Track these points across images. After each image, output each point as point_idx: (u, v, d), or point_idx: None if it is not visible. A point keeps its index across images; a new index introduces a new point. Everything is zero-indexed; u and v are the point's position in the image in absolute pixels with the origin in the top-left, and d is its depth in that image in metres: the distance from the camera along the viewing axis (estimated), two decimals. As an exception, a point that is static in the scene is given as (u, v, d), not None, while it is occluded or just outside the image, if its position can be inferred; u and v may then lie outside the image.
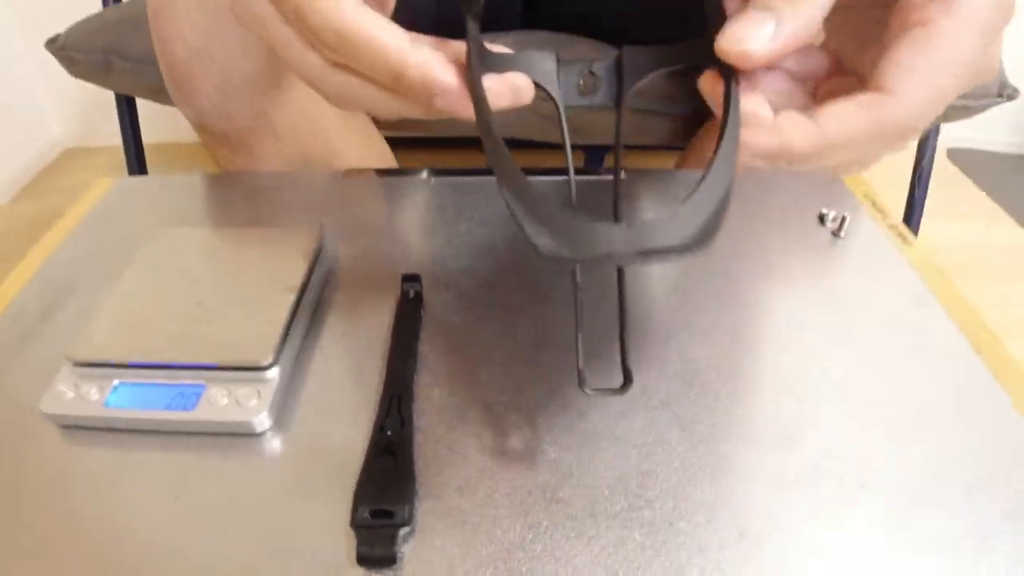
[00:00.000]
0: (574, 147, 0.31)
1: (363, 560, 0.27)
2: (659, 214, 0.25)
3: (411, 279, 0.41)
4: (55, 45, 0.95)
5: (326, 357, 0.37)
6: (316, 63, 0.26)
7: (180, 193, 0.53)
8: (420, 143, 0.96)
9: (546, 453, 0.32)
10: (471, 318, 0.40)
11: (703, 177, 0.23)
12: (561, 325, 0.40)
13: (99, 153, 1.77)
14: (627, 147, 0.38)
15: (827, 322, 0.40)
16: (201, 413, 0.32)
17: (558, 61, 0.29)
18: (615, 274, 0.31)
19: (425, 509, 0.29)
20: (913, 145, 0.97)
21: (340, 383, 0.36)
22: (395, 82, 0.25)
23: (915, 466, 0.31)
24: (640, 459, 0.31)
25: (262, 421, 0.32)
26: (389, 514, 0.28)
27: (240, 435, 0.33)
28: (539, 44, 0.78)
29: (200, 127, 0.59)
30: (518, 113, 0.29)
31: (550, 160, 0.46)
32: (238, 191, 0.54)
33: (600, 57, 0.30)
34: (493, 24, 0.43)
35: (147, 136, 1.15)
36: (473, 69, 0.26)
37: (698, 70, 0.28)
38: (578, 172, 0.33)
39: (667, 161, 0.89)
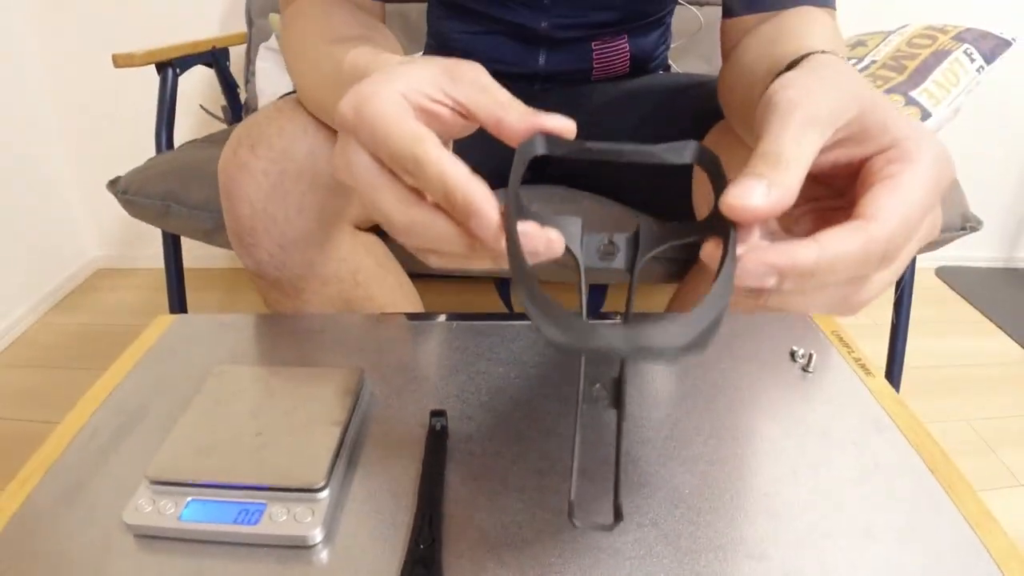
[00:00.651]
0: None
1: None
2: (659, 319, 0.28)
3: (438, 414, 0.47)
4: (116, 188, 1.04)
5: (367, 481, 0.44)
6: (394, 200, 0.33)
7: (234, 331, 0.61)
8: (436, 278, 1.06)
9: (552, 565, 0.37)
10: (491, 448, 0.46)
11: (702, 297, 0.26)
12: (564, 456, 0.45)
13: (130, 275, 1.92)
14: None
15: (796, 448, 0.46)
16: (264, 528, 0.38)
17: (583, 227, 0.33)
18: (615, 424, 0.34)
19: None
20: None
21: (379, 503, 0.42)
22: (445, 200, 0.31)
23: (868, 576, 0.37)
24: (632, 568, 0.37)
25: (316, 535, 0.38)
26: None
27: (296, 547, 0.39)
28: (564, 199, 0.89)
29: (257, 274, 0.66)
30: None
31: (560, 296, 0.54)
32: (285, 330, 0.61)
33: (620, 228, 0.34)
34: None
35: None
36: (510, 211, 0.30)
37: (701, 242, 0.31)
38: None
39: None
